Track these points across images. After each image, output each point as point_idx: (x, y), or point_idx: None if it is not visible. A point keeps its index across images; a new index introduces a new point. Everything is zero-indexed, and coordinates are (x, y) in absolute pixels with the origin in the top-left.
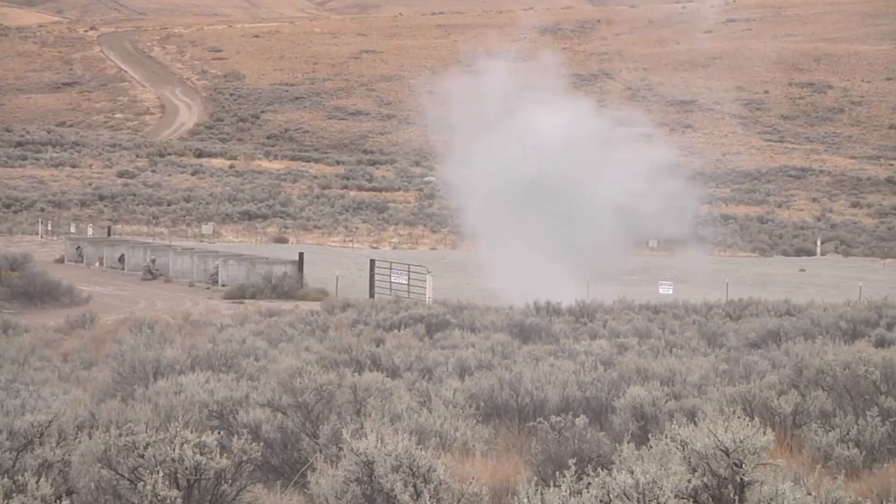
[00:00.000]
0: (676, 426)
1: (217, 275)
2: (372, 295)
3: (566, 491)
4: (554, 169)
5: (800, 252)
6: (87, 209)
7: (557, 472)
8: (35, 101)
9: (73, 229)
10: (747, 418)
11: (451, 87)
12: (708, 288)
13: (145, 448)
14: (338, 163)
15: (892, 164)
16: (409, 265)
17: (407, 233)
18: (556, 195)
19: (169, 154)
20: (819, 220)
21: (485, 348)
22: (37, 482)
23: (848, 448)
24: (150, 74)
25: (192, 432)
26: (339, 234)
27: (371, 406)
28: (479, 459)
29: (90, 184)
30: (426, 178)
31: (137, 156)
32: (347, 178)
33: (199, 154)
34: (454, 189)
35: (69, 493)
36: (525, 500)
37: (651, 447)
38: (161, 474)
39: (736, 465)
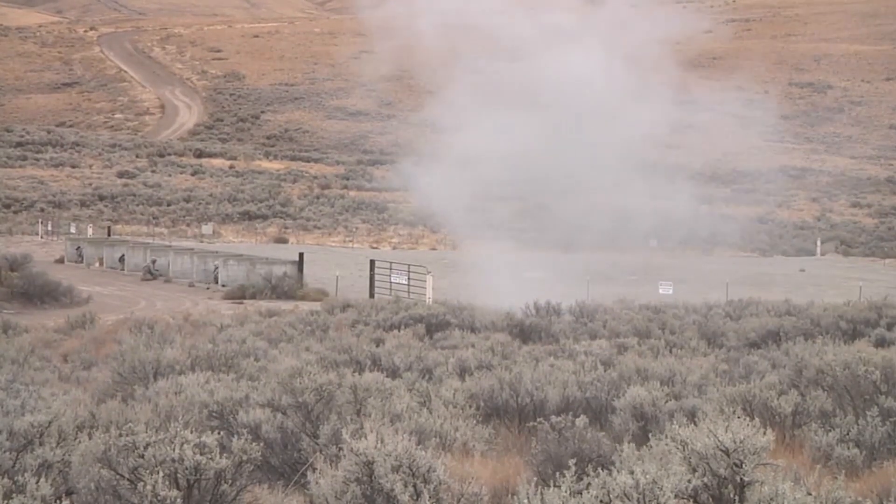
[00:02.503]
0: (676, 426)
1: (217, 275)
2: (372, 295)
3: (566, 491)
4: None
5: (800, 252)
6: (87, 209)
7: (557, 473)
8: (35, 101)
9: (73, 229)
10: (747, 418)
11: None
12: (708, 288)
13: (145, 448)
14: (338, 163)
15: (892, 164)
16: (409, 265)
17: (407, 233)
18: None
19: (169, 154)
20: (819, 220)
21: (485, 348)
22: (37, 482)
23: (848, 448)
24: (149, 75)
25: (192, 432)
26: (339, 235)
27: (371, 406)
28: (479, 460)
29: (90, 184)
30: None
31: (137, 156)
32: (347, 179)
33: (199, 154)
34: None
35: (69, 493)
36: (525, 501)
37: (651, 447)
38: (161, 474)
39: (736, 466)
